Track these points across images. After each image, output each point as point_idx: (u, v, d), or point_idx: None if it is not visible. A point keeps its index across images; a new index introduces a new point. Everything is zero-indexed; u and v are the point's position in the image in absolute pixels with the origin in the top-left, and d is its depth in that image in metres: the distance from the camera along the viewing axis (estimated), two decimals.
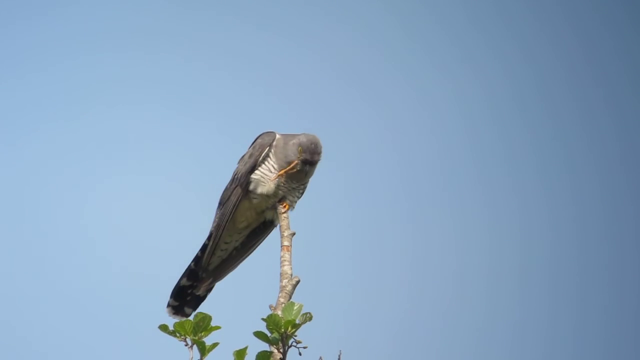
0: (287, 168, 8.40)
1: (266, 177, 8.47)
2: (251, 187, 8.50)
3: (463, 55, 12.93)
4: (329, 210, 9.99)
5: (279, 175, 8.42)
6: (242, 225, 8.67)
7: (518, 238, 12.04)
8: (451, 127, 12.71)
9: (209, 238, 8.61)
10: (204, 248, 8.63)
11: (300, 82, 12.54)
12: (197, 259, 8.64)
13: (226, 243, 8.65)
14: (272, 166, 8.46)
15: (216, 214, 8.62)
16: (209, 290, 8.68)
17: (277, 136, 8.53)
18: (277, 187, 8.44)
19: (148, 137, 12.65)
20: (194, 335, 7.15)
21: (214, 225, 8.57)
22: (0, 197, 12.36)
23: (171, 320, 7.17)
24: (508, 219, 12.17)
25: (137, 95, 12.95)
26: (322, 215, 9.49)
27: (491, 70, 12.91)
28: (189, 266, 8.64)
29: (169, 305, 8.61)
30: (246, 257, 8.76)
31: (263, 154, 8.46)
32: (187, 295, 8.66)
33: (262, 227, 8.71)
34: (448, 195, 12.22)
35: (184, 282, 8.64)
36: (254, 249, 8.76)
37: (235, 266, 8.75)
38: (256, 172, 8.48)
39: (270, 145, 8.47)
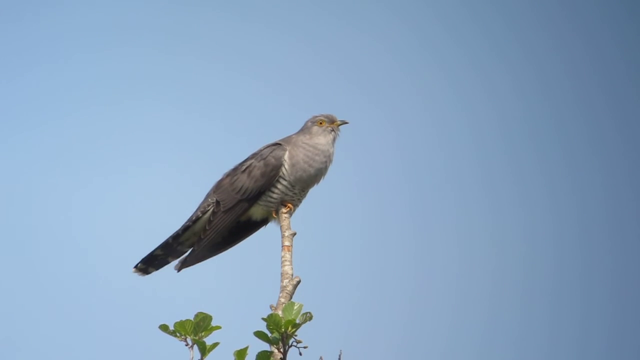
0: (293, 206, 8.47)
1: (275, 202, 8.47)
2: (254, 209, 8.51)
3: (469, 59, 12.95)
4: (330, 210, 9.99)
5: (285, 205, 8.46)
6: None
7: (522, 239, 12.05)
8: (456, 129, 12.72)
9: (193, 221, 8.59)
10: (185, 228, 8.62)
11: (308, 82, 12.56)
12: (176, 236, 8.63)
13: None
14: (286, 186, 8.46)
15: (207, 201, 8.60)
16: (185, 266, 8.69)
17: (288, 149, 8.50)
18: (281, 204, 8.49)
19: (148, 135, 12.67)
20: (195, 335, 7.16)
21: (208, 220, 8.56)
22: None
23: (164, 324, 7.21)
24: (512, 222, 12.18)
25: (138, 93, 12.96)
26: (323, 215, 9.50)
27: (497, 74, 12.93)
28: (167, 240, 8.62)
29: (136, 267, 8.62)
30: (233, 246, 8.78)
31: (277, 177, 8.43)
32: (155, 260, 8.66)
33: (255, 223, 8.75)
34: (452, 197, 12.23)
35: (158, 252, 8.64)
36: (242, 241, 8.77)
37: (219, 253, 8.77)
38: (266, 195, 8.47)
39: (282, 165, 8.45)
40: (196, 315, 7.18)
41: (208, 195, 8.65)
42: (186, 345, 7.20)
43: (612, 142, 12.66)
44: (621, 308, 11.60)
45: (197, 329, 7.17)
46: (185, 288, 9.07)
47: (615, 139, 12.68)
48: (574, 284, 11.78)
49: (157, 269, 8.65)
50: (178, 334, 7.19)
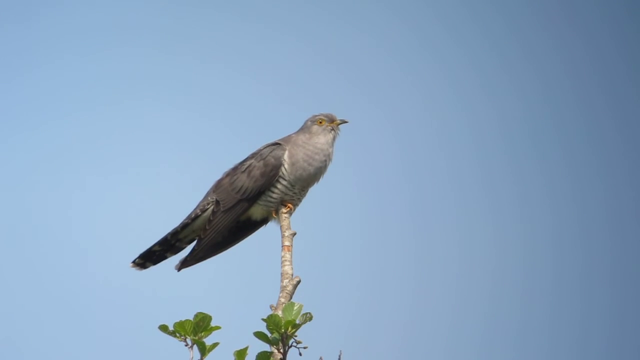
0: (293, 206, 8.46)
1: (275, 201, 8.46)
2: (254, 209, 8.50)
3: (469, 59, 12.95)
4: (330, 210, 9.99)
5: (285, 205, 8.45)
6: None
7: (522, 239, 12.05)
8: (456, 129, 12.72)
9: (192, 219, 8.58)
10: (184, 226, 8.61)
11: (308, 82, 12.55)
12: (174, 233, 8.62)
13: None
14: (286, 186, 8.44)
15: (206, 199, 8.58)
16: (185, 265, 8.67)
17: (287, 149, 8.49)
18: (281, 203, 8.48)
19: (148, 135, 12.67)
20: (194, 336, 7.16)
21: (207, 220, 8.53)
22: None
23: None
24: (512, 222, 12.18)
25: (138, 93, 12.96)
26: (323, 215, 9.50)
27: (497, 74, 12.93)
28: (165, 237, 8.60)
29: (134, 261, 8.60)
30: (232, 245, 8.76)
31: (277, 177, 8.42)
32: (153, 256, 8.64)
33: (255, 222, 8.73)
34: (452, 197, 12.23)
35: (156, 248, 8.62)
36: (242, 240, 8.75)
37: (219, 252, 8.74)
38: (266, 195, 8.46)
39: (282, 165, 8.44)
40: (196, 315, 7.18)
41: (207, 194, 8.64)
42: (186, 345, 7.20)
43: (612, 142, 12.67)
44: (621, 308, 11.61)
45: (196, 329, 7.17)
46: (185, 288, 9.07)
47: (615, 139, 12.69)
48: (574, 284, 11.78)
49: (154, 264, 8.64)
50: (178, 334, 7.19)
